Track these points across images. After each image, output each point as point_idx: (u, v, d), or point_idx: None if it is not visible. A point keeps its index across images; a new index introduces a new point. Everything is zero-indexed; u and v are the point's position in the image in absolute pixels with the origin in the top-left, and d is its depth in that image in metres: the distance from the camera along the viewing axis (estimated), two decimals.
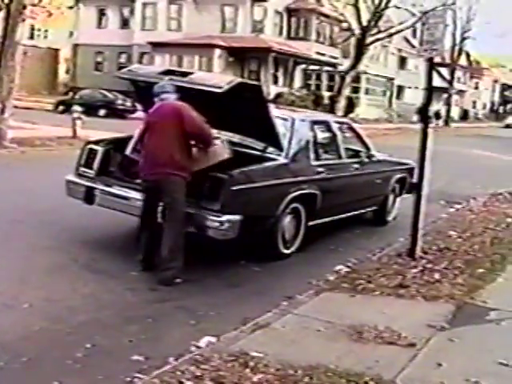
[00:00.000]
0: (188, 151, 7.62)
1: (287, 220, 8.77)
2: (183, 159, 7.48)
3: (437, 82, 11.63)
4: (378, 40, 45.51)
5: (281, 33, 53.14)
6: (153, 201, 7.61)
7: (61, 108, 38.66)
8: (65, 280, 7.32)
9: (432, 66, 8.96)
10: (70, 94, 45.69)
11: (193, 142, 7.73)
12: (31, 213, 10.25)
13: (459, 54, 67.33)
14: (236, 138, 9.20)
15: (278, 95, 46.33)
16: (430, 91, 8.91)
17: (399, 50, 68.72)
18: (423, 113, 8.79)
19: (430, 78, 8.82)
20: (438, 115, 60.51)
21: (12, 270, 7.50)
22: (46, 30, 64.86)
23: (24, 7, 18.46)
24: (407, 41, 65.67)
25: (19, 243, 8.59)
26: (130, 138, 8.52)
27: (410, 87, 71.36)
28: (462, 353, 5.79)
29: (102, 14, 56.53)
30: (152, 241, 7.60)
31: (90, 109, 33.64)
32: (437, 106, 66.05)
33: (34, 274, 7.43)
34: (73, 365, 5.24)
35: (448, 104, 66.81)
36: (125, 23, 55.51)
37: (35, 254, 8.19)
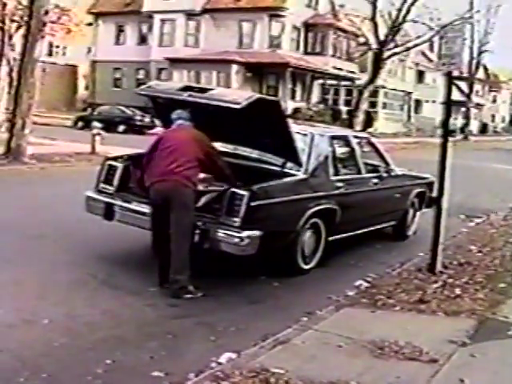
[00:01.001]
0: (197, 172, 7.70)
1: (307, 235, 8.74)
2: (193, 175, 7.56)
3: (455, 95, 11.66)
4: (395, 54, 45.62)
5: (298, 48, 53.21)
6: (162, 213, 7.59)
7: (80, 124, 38.95)
8: (84, 296, 7.32)
9: (451, 79, 8.93)
10: (89, 110, 46.01)
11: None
12: (50, 228, 10.29)
13: (477, 67, 67.20)
14: (255, 153, 9.23)
15: (296, 110, 46.38)
16: (449, 105, 8.88)
17: (417, 64, 68.67)
18: (445, 127, 8.77)
19: (449, 92, 8.78)
20: (463, 129, 60.59)
21: (31, 285, 7.52)
22: (65, 47, 65.24)
23: (44, 24, 18.63)
24: (424, 55, 65.63)
25: (38, 258, 8.62)
26: None
27: (427, 101, 71.23)
28: (485, 368, 5.73)
29: (120, 30, 56.90)
30: (165, 255, 7.59)
31: (109, 125, 33.80)
32: (460, 120, 66.11)
33: (53, 290, 7.45)
34: (93, 381, 5.23)
35: (467, 118, 66.63)
36: (143, 39, 55.84)
37: (54, 270, 8.21)
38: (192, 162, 7.53)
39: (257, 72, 49.11)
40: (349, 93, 55.27)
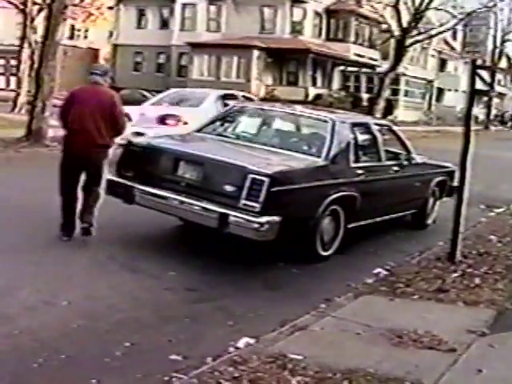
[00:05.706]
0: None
1: (326, 222, 8.70)
2: None
3: (478, 84, 11.52)
4: (417, 42, 45.13)
5: (320, 34, 53.01)
6: None
7: None
8: (103, 278, 7.34)
9: (475, 68, 8.85)
10: None
11: None
12: None
13: (500, 56, 66.54)
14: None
15: (317, 97, 46.26)
16: (473, 94, 8.80)
17: (439, 52, 68.15)
18: (468, 116, 8.70)
19: (472, 81, 8.71)
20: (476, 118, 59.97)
21: (51, 267, 7.55)
22: (86, 30, 65.19)
23: (65, 7, 18.64)
24: (447, 43, 65.11)
25: (58, 241, 8.63)
26: (169, 136, 8.54)
27: (450, 90, 70.71)
28: (503, 359, 5.71)
29: (141, 14, 56.81)
30: None
31: None
32: (477, 109, 65.46)
33: (73, 272, 7.47)
34: (111, 363, 5.26)
35: (488, 107, 66.01)
36: (164, 24, 55.75)
37: (73, 252, 8.23)
38: None
39: (278, 58, 49.03)
40: (370, 80, 54.97)
